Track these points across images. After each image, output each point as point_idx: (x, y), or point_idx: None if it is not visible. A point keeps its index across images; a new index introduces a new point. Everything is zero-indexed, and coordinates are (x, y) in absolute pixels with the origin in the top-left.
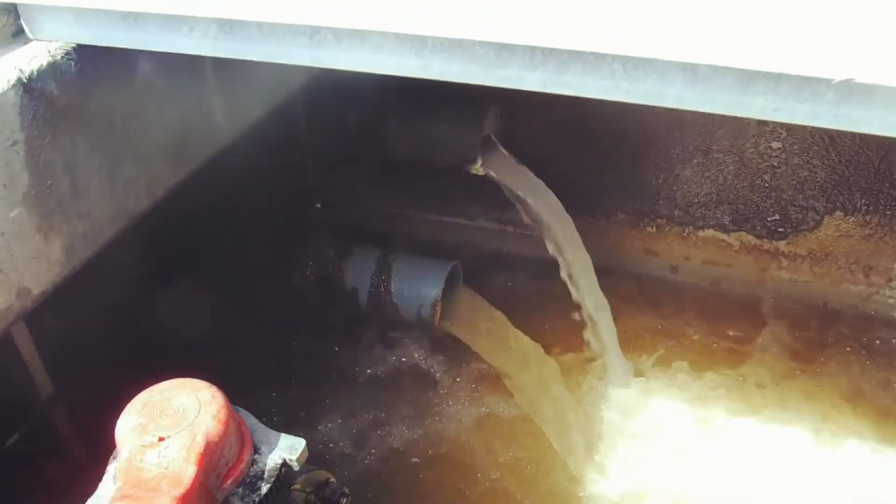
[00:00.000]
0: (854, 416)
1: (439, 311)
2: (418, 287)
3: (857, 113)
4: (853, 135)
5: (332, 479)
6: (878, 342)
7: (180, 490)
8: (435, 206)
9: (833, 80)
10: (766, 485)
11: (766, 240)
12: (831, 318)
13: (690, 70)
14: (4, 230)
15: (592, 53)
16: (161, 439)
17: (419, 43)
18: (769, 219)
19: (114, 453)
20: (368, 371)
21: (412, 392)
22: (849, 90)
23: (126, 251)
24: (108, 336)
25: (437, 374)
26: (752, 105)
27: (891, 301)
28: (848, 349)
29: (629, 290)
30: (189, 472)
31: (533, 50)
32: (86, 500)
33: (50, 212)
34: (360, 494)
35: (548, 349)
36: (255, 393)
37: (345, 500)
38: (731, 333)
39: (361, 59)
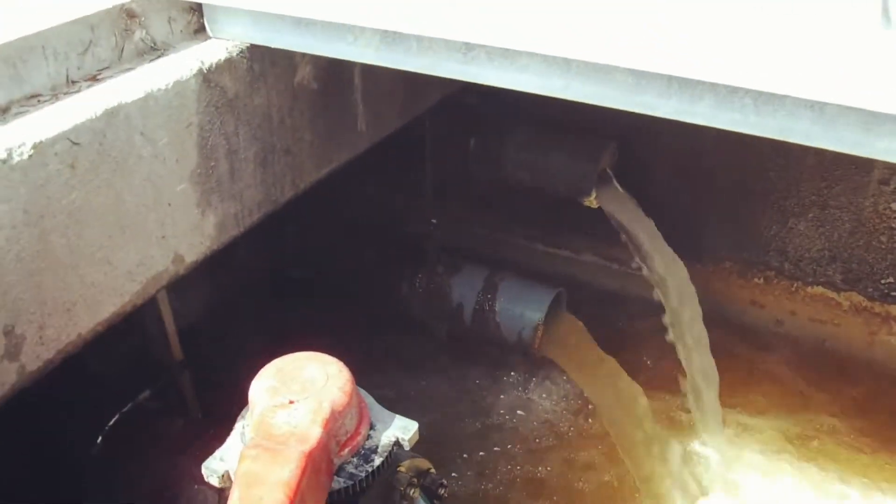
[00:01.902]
0: None
1: (541, 335)
2: (522, 309)
3: None
4: None
5: (433, 470)
6: None
7: (307, 447)
8: (543, 236)
9: None
10: None
11: (877, 302)
12: None
13: (819, 109)
14: (171, 201)
15: (725, 87)
16: (291, 402)
17: (564, 65)
18: (883, 281)
19: (242, 413)
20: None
21: None
22: None
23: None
24: (235, 315)
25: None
26: (876, 146)
27: None
28: None
29: (731, 340)
30: (315, 432)
31: (670, 79)
32: (202, 454)
33: (210, 190)
34: None
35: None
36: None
37: (443, 491)
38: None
39: (510, 78)
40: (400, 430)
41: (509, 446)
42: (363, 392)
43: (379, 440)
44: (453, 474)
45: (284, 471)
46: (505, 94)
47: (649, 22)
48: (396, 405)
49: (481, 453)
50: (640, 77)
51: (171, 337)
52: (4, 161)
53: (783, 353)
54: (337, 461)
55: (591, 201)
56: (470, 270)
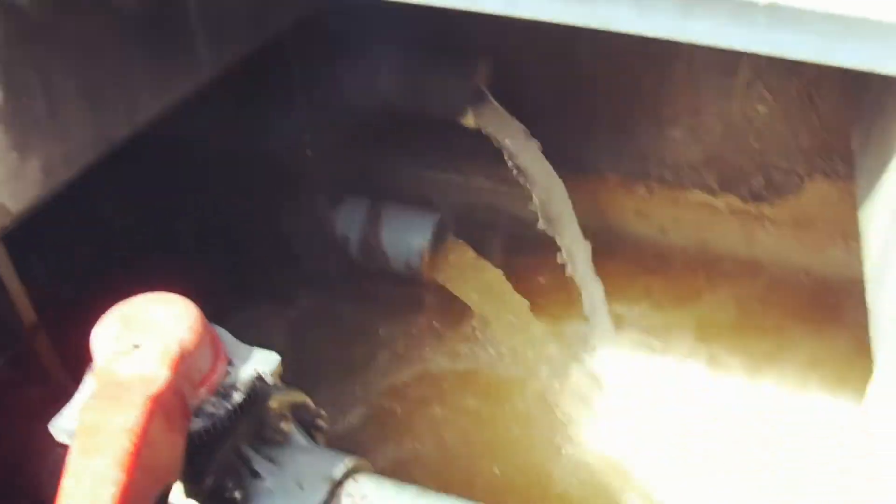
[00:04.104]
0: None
1: (428, 261)
2: (407, 236)
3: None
4: (832, 100)
5: (309, 402)
6: (850, 305)
7: (153, 389)
8: (430, 162)
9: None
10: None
11: (751, 203)
12: (811, 280)
13: None
14: None
15: None
16: (136, 347)
17: None
18: (754, 182)
19: (90, 366)
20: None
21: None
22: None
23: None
24: (91, 263)
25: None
26: (692, 29)
27: None
28: (819, 310)
29: (619, 250)
30: (162, 374)
31: None
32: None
33: (26, 131)
34: None
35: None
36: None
37: (321, 422)
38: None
39: None
40: (261, 363)
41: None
42: (219, 329)
43: (238, 376)
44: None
45: (128, 417)
46: (371, 14)
47: None
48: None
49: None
50: None
51: (16, 298)
52: None
53: (669, 258)
54: (195, 402)
55: (469, 121)
56: (352, 202)
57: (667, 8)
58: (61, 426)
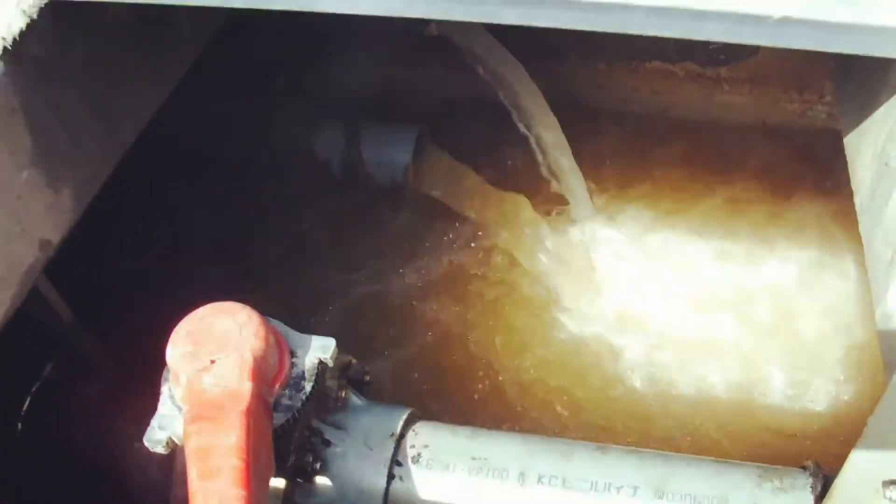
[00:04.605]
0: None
1: (413, 175)
2: (389, 153)
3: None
4: None
5: (354, 361)
6: (810, 151)
7: (244, 404)
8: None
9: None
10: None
11: (708, 67)
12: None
13: None
14: (20, 193)
15: None
16: (213, 362)
17: None
18: (711, 47)
19: (164, 375)
20: None
21: None
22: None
23: None
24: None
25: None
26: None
27: (822, 116)
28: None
29: (585, 124)
30: (245, 387)
31: None
32: (127, 415)
33: (55, 167)
34: None
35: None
36: None
37: (367, 377)
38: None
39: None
40: (320, 350)
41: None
42: (276, 322)
43: (304, 365)
44: None
45: (231, 437)
46: None
47: None
48: None
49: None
50: None
51: (55, 304)
52: None
53: (632, 126)
54: (271, 399)
55: (432, 31)
56: (329, 125)
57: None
58: (155, 438)
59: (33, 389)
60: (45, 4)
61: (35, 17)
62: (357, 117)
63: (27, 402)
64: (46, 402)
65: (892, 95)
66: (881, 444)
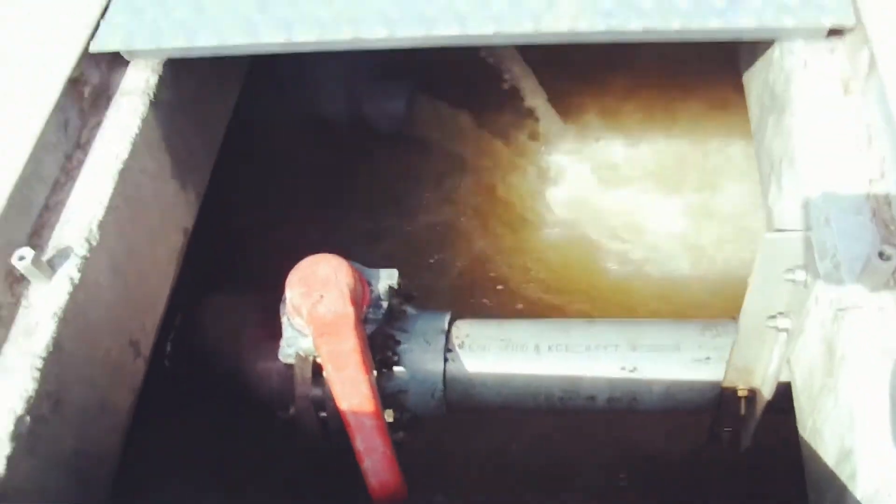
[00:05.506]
0: None
1: (406, 122)
2: (385, 103)
3: None
4: None
5: (403, 282)
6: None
7: (352, 321)
8: None
9: None
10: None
11: None
12: None
13: None
14: (168, 198)
15: None
16: (322, 297)
17: None
18: None
19: (281, 308)
20: None
21: None
22: None
23: None
24: None
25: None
26: None
27: None
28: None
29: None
30: (349, 310)
31: None
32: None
33: (184, 174)
34: None
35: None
36: None
37: (414, 293)
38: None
39: None
40: (388, 278)
41: None
42: (356, 264)
43: (378, 291)
44: None
45: (349, 342)
46: None
47: None
48: None
49: None
50: None
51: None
52: None
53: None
54: (362, 316)
55: None
56: (334, 83)
57: None
58: (287, 353)
59: (176, 322)
60: (165, 62)
61: (161, 72)
62: (354, 74)
63: (168, 346)
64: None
65: (764, 52)
66: (762, 292)
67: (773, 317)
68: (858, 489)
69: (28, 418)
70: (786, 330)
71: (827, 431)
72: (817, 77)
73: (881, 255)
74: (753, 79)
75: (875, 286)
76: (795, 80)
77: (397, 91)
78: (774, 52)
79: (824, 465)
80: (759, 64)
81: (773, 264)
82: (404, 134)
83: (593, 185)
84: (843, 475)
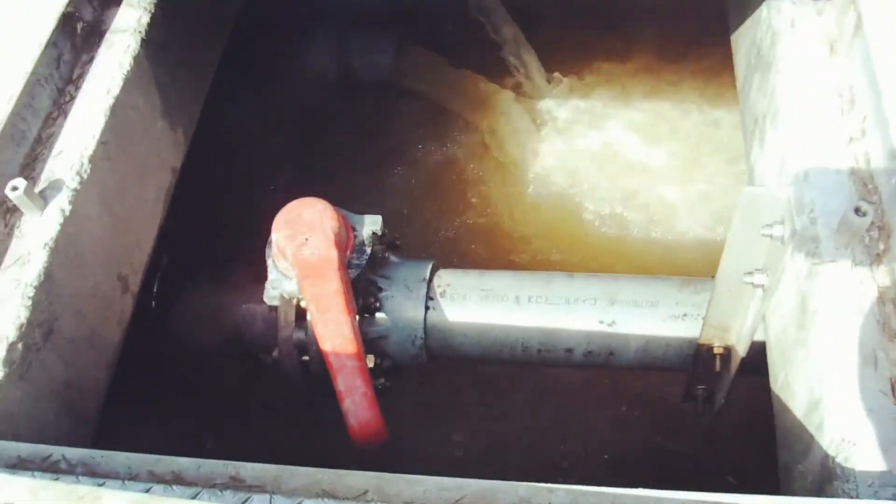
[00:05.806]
0: None
1: (396, 72)
2: (375, 56)
3: None
4: None
5: (385, 231)
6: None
7: (336, 265)
8: None
9: None
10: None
11: None
12: None
13: None
14: (158, 136)
15: None
16: (307, 239)
17: None
18: None
19: (266, 251)
20: None
21: None
22: None
23: None
24: None
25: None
26: None
27: None
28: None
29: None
30: (332, 253)
31: None
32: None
33: (173, 112)
34: None
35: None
36: None
37: (398, 241)
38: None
39: None
40: (371, 224)
41: None
42: (341, 209)
43: (362, 236)
44: None
45: (333, 284)
46: None
47: None
48: None
49: None
50: None
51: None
52: None
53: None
54: (345, 259)
55: None
56: (322, 36)
57: None
58: (272, 294)
59: (158, 275)
60: (157, 1)
61: (153, 11)
62: (344, 29)
63: (156, 284)
64: (172, 283)
65: (752, 12)
66: (739, 248)
67: (751, 273)
68: (825, 438)
69: (20, 345)
70: (762, 286)
71: (797, 384)
72: (804, 36)
73: (857, 210)
74: (741, 38)
75: (850, 241)
76: (782, 39)
77: (384, 42)
78: (762, 11)
79: (793, 418)
80: (748, 23)
81: (751, 219)
82: (392, 84)
83: (580, 133)
84: (812, 426)
